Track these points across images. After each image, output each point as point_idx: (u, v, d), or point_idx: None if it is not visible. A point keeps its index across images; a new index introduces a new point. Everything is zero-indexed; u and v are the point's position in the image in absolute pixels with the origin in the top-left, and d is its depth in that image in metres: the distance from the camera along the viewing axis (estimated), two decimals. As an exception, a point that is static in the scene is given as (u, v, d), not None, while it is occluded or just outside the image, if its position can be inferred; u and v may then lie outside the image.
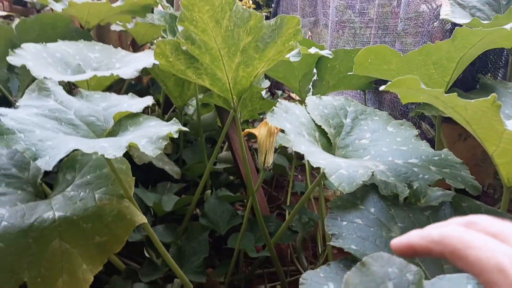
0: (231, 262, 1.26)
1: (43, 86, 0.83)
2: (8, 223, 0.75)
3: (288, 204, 1.61)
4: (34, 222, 0.77)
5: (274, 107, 0.82)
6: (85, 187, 0.85)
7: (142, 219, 0.85)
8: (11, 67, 1.30)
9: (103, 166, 0.88)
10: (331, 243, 0.67)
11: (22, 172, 0.91)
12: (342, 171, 0.69)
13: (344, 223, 0.67)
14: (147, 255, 1.19)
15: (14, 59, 1.02)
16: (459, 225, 0.35)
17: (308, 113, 0.91)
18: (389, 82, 0.55)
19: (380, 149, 0.84)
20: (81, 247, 0.78)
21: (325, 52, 1.23)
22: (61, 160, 0.95)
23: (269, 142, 1.07)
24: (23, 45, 1.10)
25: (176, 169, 1.47)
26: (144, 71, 1.67)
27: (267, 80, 2.11)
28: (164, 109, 1.82)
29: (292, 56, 1.04)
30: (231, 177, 1.73)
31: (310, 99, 0.94)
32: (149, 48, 1.84)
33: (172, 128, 0.73)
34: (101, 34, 1.77)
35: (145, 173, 1.61)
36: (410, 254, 0.36)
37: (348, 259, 0.66)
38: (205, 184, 1.32)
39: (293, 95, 2.47)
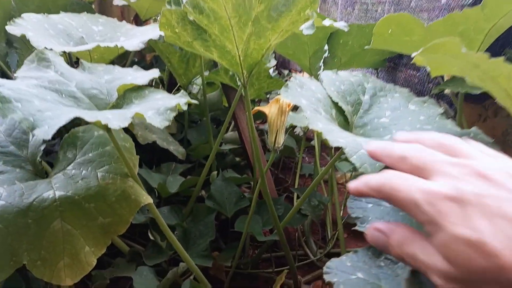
0: (238, 246, 1.22)
1: (42, 57, 0.78)
2: (6, 202, 0.71)
3: (296, 187, 1.57)
4: (33, 201, 0.72)
5: (288, 82, 0.77)
6: (87, 165, 0.80)
7: (147, 199, 0.80)
8: (9, 41, 1.25)
9: (105, 143, 0.83)
10: (357, 228, 0.62)
11: (20, 150, 0.86)
12: (364, 151, 0.64)
13: (370, 205, 0.62)
14: (151, 237, 1.16)
15: (13, 28, 0.96)
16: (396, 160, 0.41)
17: (324, 89, 0.85)
18: (422, 48, 0.49)
19: (402, 128, 0.79)
20: (84, 228, 0.74)
21: (340, 25, 1.17)
22: (61, 137, 0.90)
23: (280, 121, 1.01)
24: (24, 15, 1.03)
25: (181, 150, 1.42)
26: (148, 47, 1.61)
27: (273, 59, 2.05)
28: (168, 88, 1.76)
29: (305, 29, 0.98)
30: (237, 159, 1.68)
31: (326, 74, 0.88)
32: (155, 21, 1.77)
33: (181, 100, 0.68)
34: (103, 9, 1.71)
35: (148, 153, 1.56)
36: (362, 196, 0.43)
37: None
38: (210, 165, 1.28)
39: (300, 75, 2.41)
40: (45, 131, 0.53)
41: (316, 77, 1.37)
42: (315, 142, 1.52)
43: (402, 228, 0.39)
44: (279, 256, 1.38)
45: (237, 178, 1.38)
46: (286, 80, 0.86)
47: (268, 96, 1.93)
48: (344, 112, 0.84)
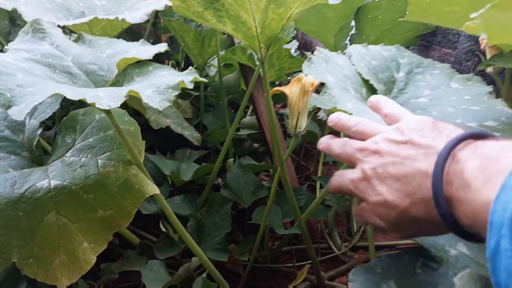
0: (255, 238, 1.14)
1: (38, 27, 0.70)
2: (-5, 193, 0.63)
3: (319, 175, 1.47)
4: (25, 192, 0.65)
5: (312, 55, 0.66)
6: (87, 151, 0.72)
7: (153, 189, 0.72)
8: (12, 19, 1.18)
9: (107, 127, 0.75)
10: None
11: (16, 135, 0.79)
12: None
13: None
14: (163, 229, 1.08)
15: (4, 2, 0.88)
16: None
17: (353, 65, 0.74)
18: (488, 5, 0.38)
19: (445, 109, 0.68)
20: (82, 222, 0.66)
21: (370, -4, 1.05)
22: (60, 121, 0.82)
23: (303, 103, 0.91)
24: (17, -13, 0.95)
25: (197, 135, 1.34)
26: (164, 27, 1.52)
27: (295, 40, 1.93)
28: (183, 70, 1.67)
29: (331, -2, 0.87)
30: (256, 145, 1.59)
31: (355, 47, 0.77)
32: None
33: (187, 77, 0.59)
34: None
35: (162, 138, 1.49)
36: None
37: (414, 251, 0.51)
38: (227, 151, 1.19)
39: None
40: (19, 110, 0.45)
41: (342, 55, 1.26)
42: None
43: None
44: (300, 249, 1.29)
45: (255, 165, 1.29)
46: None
47: (289, 78, 1.83)
48: (376, 90, 0.73)
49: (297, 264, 1.20)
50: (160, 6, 0.94)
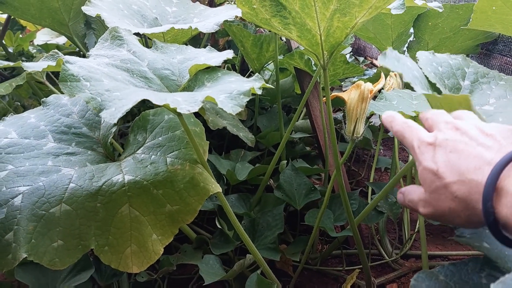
0: (307, 240, 1.16)
1: (116, 35, 0.76)
2: (76, 185, 0.69)
3: (371, 181, 1.46)
4: (103, 185, 0.70)
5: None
6: (156, 149, 0.77)
7: (216, 187, 0.76)
8: (88, 23, 1.26)
9: (175, 127, 0.80)
10: (455, 238, 0.52)
11: (93, 131, 0.85)
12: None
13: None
14: (218, 226, 1.12)
15: (89, 9, 0.96)
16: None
17: (420, 69, 0.75)
18: None
19: (510, 116, 0.67)
20: (151, 215, 0.71)
21: (434, 5, 1.05)
22: (132, 120, 0.88)
23: (361, 109, 0.92)
24: (99, -5, 1.03)
25: (251, 137, 1.37)
26: (222, 31, 1.57)
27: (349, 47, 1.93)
28: (239, 73, 1.72)
29: (394, 8, 0.88)
30: (307, 148, 1.60)
31: (422, 53, 0.78)
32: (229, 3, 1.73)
33: (255, 84, 0.62)
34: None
35: (218, 139, 1.54)
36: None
37: (479, 261, 0.51)
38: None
39: (376, 62, 2.26)
40: (111, 114, 0.49)
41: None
42: (394, 134, 1.40)
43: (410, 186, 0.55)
44: (349, 253, 1.30)
45: (308, 168, 1.30)
46: (369, 66, 0.77)
47: (342, 83, 1.83)
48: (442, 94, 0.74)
49: (347, 268, 1.20)
50: (230, 17, 0.98)
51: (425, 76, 0.71)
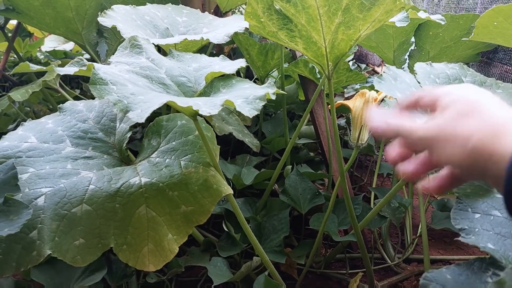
0: (311, 243, 1.19)
1: (135, 43, 0.79)
2: (96, 186, 0.73)
3: (373, 186, 1.50)
4: (121, 186, 0.74)
5: (382, 73, 0.72)
6: (171, 153, 0.81)
7: (228, 189, 0.79)
8: (100, 31, 1.30)
9: (188, 132, 0.83)
10: (461, 239, 0.55)
11: (108, 136, 0.89)
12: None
13: (477, 215, 0.55)
14: (225, 228, 1.15)
15: (105, 20, 1.00)
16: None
17: (418, 83, 0.79)
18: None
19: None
20: (167, 216, 0.74)
21: (436, 17, 1.09)
22: (143, 126, 0.92)
23: (365, 116, 0.96)
24: (114, 7, 1.07)
25: (256, 142, 1.41)
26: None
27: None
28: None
29: (398, 21, 0.92)
30: (311, 153, 1.64)
31: (420, 66, 0.81)
32: (234, 13, 1.78)
33: (269, 90, 0.66)
34: (185, 0, 1.74)
35: (223, 144, 1.57)
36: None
37: (484, 261, 0.54)
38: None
39: (378, 69, 2.30)
40: (138, 114, 0.53)
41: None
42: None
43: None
44: (353, 257, 1.33)
45: (312, 173, 1.34)
46: (371, 73, 0.81)
47: (345, 90, 1.87)
48: (441, 108, 0.77)
49: (350, 271, 1.23)
50: (240, 28, 1.02)
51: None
